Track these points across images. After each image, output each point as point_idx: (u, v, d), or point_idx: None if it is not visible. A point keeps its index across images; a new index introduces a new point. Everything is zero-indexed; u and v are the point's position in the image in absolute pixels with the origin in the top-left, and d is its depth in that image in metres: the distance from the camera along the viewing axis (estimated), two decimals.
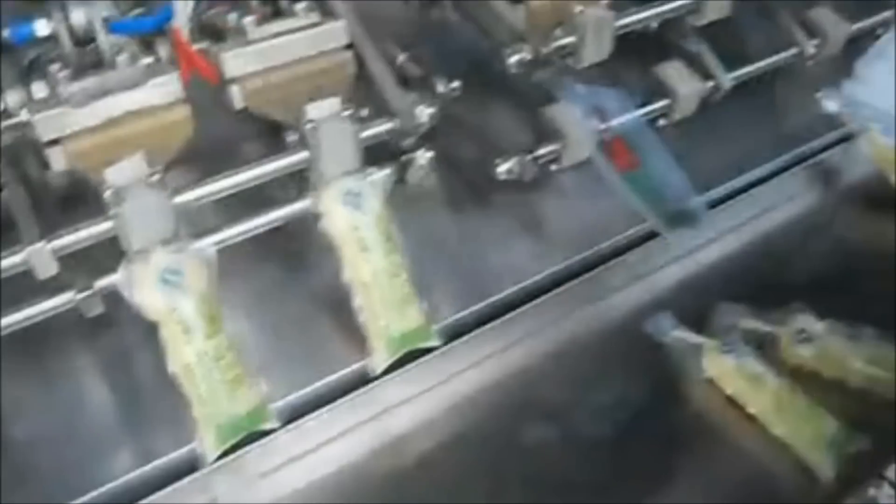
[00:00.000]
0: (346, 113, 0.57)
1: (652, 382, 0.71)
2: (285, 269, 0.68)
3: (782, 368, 0.69)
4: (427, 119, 0.65)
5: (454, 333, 0.67)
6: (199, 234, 0.55)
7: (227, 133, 0.68)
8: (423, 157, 0.65)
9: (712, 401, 0.68)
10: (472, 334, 0.68)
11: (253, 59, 0.56)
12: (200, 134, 0.56)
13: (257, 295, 0.66)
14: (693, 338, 0.70)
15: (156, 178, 0.52)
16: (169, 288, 0.51)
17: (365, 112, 0.63)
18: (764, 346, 0.71)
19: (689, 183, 0.65)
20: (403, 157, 0.65)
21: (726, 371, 0.68)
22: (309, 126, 0.56)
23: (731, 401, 0.68)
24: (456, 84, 0.80)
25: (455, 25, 0.78)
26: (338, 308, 0.62)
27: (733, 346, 0.68)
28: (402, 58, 0.84)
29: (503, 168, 0.69)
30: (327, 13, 0.60)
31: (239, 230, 0.57)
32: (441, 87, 0.79)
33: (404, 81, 0.83)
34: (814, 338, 0.69)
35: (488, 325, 0.69)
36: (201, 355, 0.52)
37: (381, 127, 0.63)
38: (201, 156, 0.59)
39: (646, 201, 0.63)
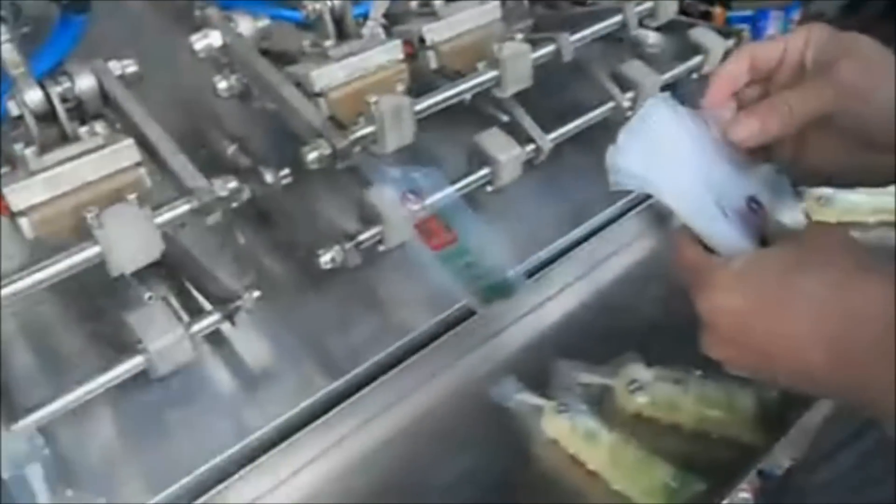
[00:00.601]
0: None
1: (502, 446, 0.72)
2: None
3: (623, 419, 0.72)
4: (228, 192, 0.63)
5: (308, 418, 0.68)
6: None
7: None
8: (250, 299, 0.65)
9: (557, 461, 0.70)
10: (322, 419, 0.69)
11: (39, 190, 0.56)
12: None
13: None
14: (534, 400, 0.72)
15: None
16: None
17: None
18: (603, 400, 0.73)
19: (506, 254, 0.67)
20: (232, 305, 0.66)
21: (564, 431, 0.69)
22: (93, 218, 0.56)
23: (574, 459, 0.69)
24: (285, 172, 0.81)
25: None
26: None
27: (568, 405, 0.70)
28: (231, 149, 0.85)
29: (326, 258, 0.70)
30: (116, 128, 0.60)
31: None
32: (269, 177, 0.81)
33: (235, 171, 0.85)
34: (645, 386, 0.71)
35: (336, 408, 0.70)
36: None
37: (181, 208, 0.61)
38: None
39: (462, 277, 0.65)
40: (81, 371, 0.64)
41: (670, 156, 0.55)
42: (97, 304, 0.71)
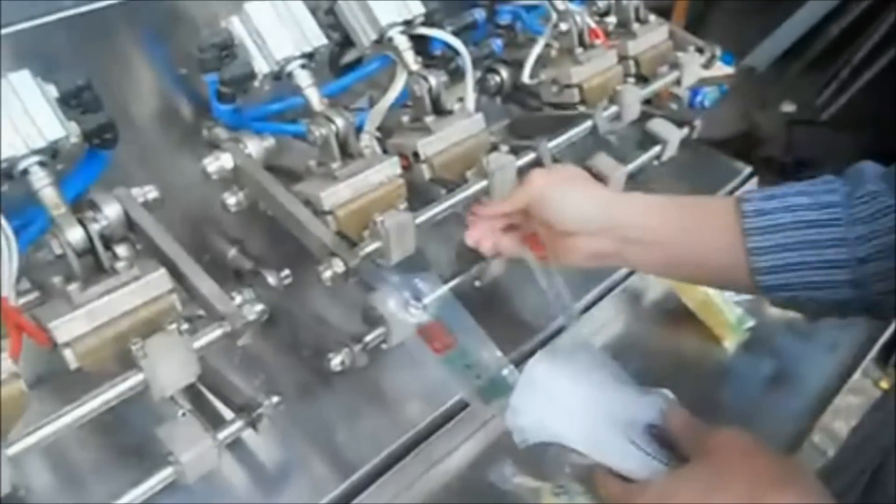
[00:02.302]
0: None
1: None
2: None
3: None
4: (256, 316, 0.69)
5: None
6: None
7: None
8: (270, 405, 0.71)
9: None
10: None
11: (83, 323, 0.60)
12: None
13: None
14: (531, 483, 0.78)
15: None
16: None
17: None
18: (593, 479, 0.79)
19: (500, 353, 0.73)
20: (254, 413, 0.71)
21: None
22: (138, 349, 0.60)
23: None
24: (286, 273, 0.87)
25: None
26: None
27: (564, 487, 0.76)
28: (232, 252, 0.90)
29: (335, 362, 0.75)
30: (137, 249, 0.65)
31: None
32: (272, 279, 0.86)
33: (237, 275, 0.90)
34: None
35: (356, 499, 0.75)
36: None
37: (215, 333, 0.66)
38: None
39: (463, 378, 0.71)
40: (108, 484, 0.68)
41: (565, 405, 0.62)
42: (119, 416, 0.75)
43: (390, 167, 0.76)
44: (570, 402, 0.62)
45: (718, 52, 1.06)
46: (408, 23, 0.80)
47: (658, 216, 0.67)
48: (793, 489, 0.52)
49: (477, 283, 0.88)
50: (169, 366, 0.61)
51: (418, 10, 0.80)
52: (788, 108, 2.16)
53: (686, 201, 0.68)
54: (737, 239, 0.62)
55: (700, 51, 1.05)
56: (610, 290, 0.96)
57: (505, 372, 0.73)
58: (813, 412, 0.93)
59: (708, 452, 0.56)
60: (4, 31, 0.66)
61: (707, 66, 1.06)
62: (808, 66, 2.11)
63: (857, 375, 0.97)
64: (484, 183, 0.80)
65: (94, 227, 0.62)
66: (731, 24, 2.04)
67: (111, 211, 0.66)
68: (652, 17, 1.02)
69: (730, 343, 0.96)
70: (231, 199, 0.78)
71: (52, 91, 0.63)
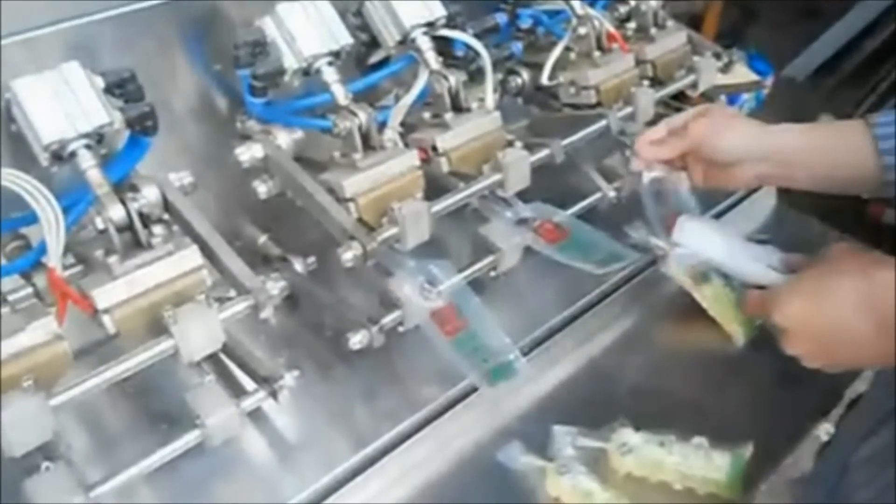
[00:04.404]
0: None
1: None
2: None
3: (616, 478, 0.81)
4: (278, 291, 0.73)
5: (336, 485, 0.78)
6: None
7: None
8: (291, 378, 0.76)
9: None
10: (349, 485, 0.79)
11: (121, 291, 0.66)
12: None
13: None
14: (537, 462, 0.82)
15: None
16: None
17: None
18: (599, 461, 0.83)
19: (508, 340, 0.77)
20: (276, 384, 0.76)
21: (565, 490, 0.79)
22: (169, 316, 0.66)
23: None
24: (311, 260, 0.92)
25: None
26: None
27: (568, 467, 0.80)
28: (262, 239, 0.96)
29: (355, 340, 0.80)
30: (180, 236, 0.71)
31: None
32: (299, 265, 0.91)
33: (266, 260, 0.95)
34: (633, 449, 0.81)
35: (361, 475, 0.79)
36: None
37: (241, 305, 0.71)
38: None
39: (471, 360, 0.75)
40: (139, 444, 0.73)
41: (712, 239, 0.89)
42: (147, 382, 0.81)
43: (409, 159, 0.81)
44: (715, 238, 0.88)
45: (736, 57, 1.09)
46: (430, 24, 0.85)
47: (805, 139, 0.83)
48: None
49: (492, 274, 0.92)
50: (197, 332, 0.66)
51: (440, 12, 0.85)
52: (826, 119, 2.16)
53: (823, 126, 0.85)
54: (867, 155, 0.78)
55: (717, 56, 1.08)
56: (621, 285, 0.99)
57: (511, 357, 0.77)
58: (822, 408, 0.95)
59: (824, 258, 0.74)
60: (58, 26, 0.72)
61: (725, 70, 1.09)
62: (846, 78, 2.11)
63: (867, 373, 0.98)
64: (499, 176, 0.85)
65: (134, 206, 0.68)
66: (769, 35, 2.05)
67: (150, 192, 0.72)
68: (670, 23, 1.05)
69: (740, 339, 0.98)
70: (261, 188, 0.83)
71: (99, 82, 0.69)
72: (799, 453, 0.91)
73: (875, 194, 0.82)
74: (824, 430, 0.93)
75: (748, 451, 0.82)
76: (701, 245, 0.89)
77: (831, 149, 0.82)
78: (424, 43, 0.85)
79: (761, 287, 0.82)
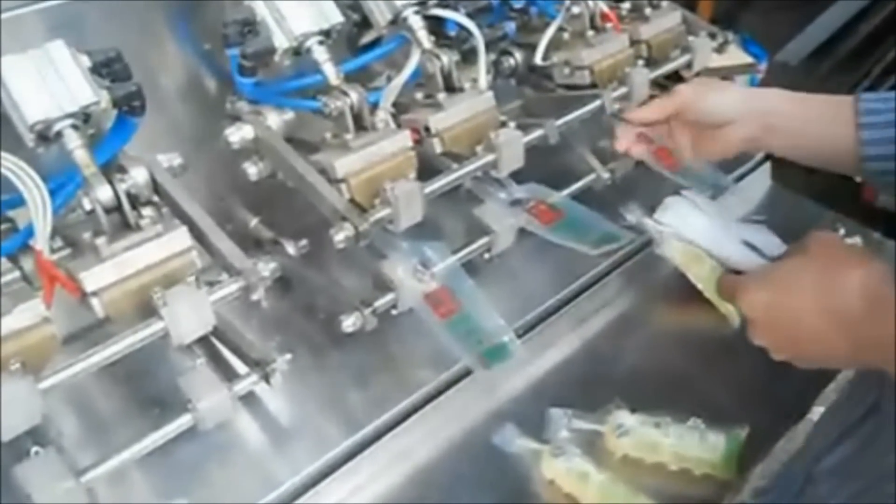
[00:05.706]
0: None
1: (504, 487, 0.81)
2: None
3: (612, 460, 0.81)
4: (269, 272, 0.73)
5: (329, 469, 0.77)
6: None
7: None
8: (283, 361, 0.75)
9: (555, 499, 0.79)
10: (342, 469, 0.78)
11: (109, 274, 0.65)
12: None
13: None
14: (532, 445, 0.81)
15: None
16: None
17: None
18: (595, 443, 0.82)
19: (503, 322, 0.76)
20: (268, 368, 0.75)
21: (560, 472, 0.79)
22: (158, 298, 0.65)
23: (569, 497, 0.78)
24: (303, 243, 0.91)
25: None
26: None
27: (563, 449, 0.79)
28: (253, 222, 0.95)
29: (348, 322, 0.79)
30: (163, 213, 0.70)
31: None
32: (290, 248, 0.91)
33: (257, 244, 0.94)
34: (629, 430, 0.81)
35: (354, 459, 0.79)
36: None
37: (231, 287, 0.70)
38: None
39: (465, 342, 0.74)
40: (130, 428, 0.73)
41: (695, 218, 0.91)
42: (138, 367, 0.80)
43: (402, 139, 0.80)
44: (699, 219, 0.91)
45: (731, 37, 1.08)
46: (422, 3, 0.84)
47: (792, 105, 0.84)
48: (860, 269, 0.63)
49: (486, 256, 0.91)
50: (187, 314, 0.65)
51: None
52: None
53: (812, 96, 0.84)
54: (851, 130, 0.78)
55: (712, 36, 1.07)
56: (616, 266, 0.98)
57: (506, 339, 0.77)
58: (817, 386, 0.95)
59: (799, 246, 0.70)
60: (43, 4, 0.71)
61: (719, 50, 1.08)
62: (841, 62, 2.10)
63: None
64: (492, 156, 0.84)
65: (122, 187, 0.67)
66: (763, 20, 2.04)
67: (138, 174, 0.71)
68: (664, 3, 1.04)
69: (735, 320, 0.98)
70: (252, 169, 0.82)
71: (85, 61, 0.68)
72: (793, 434, 0.91)
73: (853, 173, 0.82)
74: (817, 411, 0.93)
75: (744, 432, 0.82)
76: (683, 225, 0.91)
77: (817, 119, 0.83)
78: (416, 22, 0.84)
79: (740, 272, 0.78)
